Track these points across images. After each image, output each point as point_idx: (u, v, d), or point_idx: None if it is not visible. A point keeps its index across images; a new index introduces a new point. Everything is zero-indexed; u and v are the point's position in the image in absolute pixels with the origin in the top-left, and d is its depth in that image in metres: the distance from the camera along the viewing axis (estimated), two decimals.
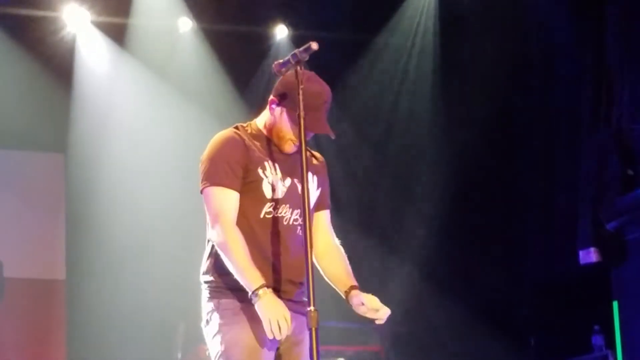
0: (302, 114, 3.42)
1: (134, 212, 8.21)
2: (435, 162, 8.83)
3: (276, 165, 3.67)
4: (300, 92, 3.43)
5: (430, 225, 8.68)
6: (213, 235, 3.60)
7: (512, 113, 8.92)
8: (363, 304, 3.65)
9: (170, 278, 7.86)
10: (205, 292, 3.67)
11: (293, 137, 3.64)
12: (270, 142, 3.72)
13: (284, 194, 3.65)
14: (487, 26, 8.49)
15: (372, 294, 3.77)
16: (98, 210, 8.33)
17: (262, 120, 3.77)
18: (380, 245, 8.52)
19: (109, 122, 8.41)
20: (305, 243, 3.33)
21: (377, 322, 3.70)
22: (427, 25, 8.73)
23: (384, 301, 3.76)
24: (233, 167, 3.60)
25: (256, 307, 3.45)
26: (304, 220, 3.35)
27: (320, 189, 3.80)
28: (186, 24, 8.40)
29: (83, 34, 8.27)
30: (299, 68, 3.45)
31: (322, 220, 3.85)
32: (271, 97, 3.72)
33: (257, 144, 3.69)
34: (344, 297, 3.74)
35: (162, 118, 8.27)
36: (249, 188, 3.61)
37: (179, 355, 7.42)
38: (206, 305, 3.64)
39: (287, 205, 3.66)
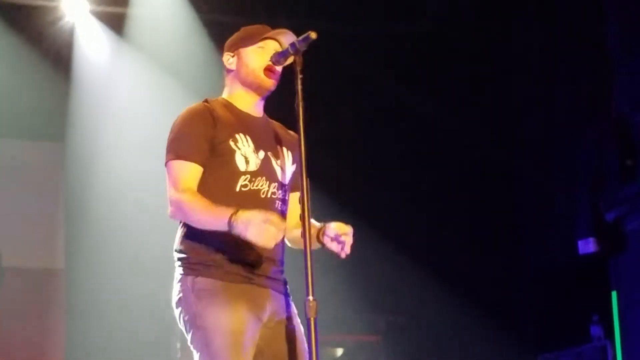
0: (301, 103, 3.39)
1: (133, 201, 8.21)
2: (432, 151, 8.83)
3: (247, 137, 3.57)
4: (299, 81, 3.41)
5: (427, 215, 8.68)
6: (170, 205, 3.49)
7: (511, 103, 8.91)
8: (332, 238, 3.49)
9: (170, 267, 7.84)
10: (178, 270, 3.55)
11: (262, 64, 3.60)
12: (241, 114, 3.65)
13: (258, 166, 3.55)
14: (485, 16, 8.48)
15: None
16: (97, 199, 8.33)
17: (226, 92, 3.73)
18: (378, 236, 8.52)
19: (108, 112, 8.40)
20: (304, 234, 3.27)
21: (344, 239, 3.49)
22: (425, 15, 8.72)
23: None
24: (197, 141, 3.51)
25: (237, 232, 3.28)
26: (303, 212, 3.30)
27: (295, 166, 3.71)
28: (185, 14, 8.38)
29: (82, 23, 8.25)
30: (297, 58, 3.43)
31: (295, 201, 3.66)
32: (225, 55, 3.71)
33: (229, 115, 3.61)
34: (318, 243, 3.55)
35: (162, 108, 8.25)
36: (222, 161, 3.52)
37: (178, 345, 7.42)
38: (178, 283, 3.52)
39: (263, 178, 3.55)
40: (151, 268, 8.04)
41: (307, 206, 3.32)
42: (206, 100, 3.66)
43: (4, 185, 8.26)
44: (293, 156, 3.70)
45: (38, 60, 8.14)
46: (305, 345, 3.46)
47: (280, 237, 3.36)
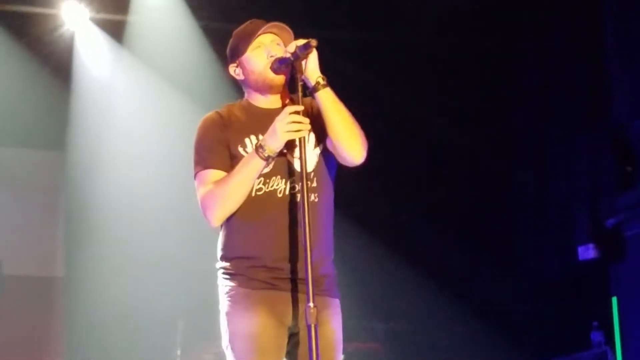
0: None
1: (133, 209, 8.21)
2: (430, 159, 8.83)
3: (260, 137, 3.51)
4: (300, 87, 3.42)
5: (426, 223, 8.68)
6: (203, 205, 3.49)
7: (508, 109, 8.92)
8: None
9: (169, 275, 7.86)
10: (218, 278, 3.60)
11: (266, 63, 3.58)
12: (258, 112, 3.63)
13: (271, 166, 3.51)
14: (483, 23, 8.48)
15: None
16: (97, 207, 8.34)
17: (245, 96, 3.72)
18: (378, 243, 8.52)
19: (108, 120, 8.41)
20: (305, 244, 3.26)
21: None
22: (423, 21, 8.71)
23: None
24: (215, 148, 3.54)
25: (270, 145, 3.39)
26: (304, 223, 3.27)
27: (321, 145, 3.62)
28: (185, 21, 8.39)
29: (82, 31, 8.26)
30: (297, 65, 3.43)
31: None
32: (230, 68, 3.71)
33: (244, 117, 3.61)
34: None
35: (161, 115, 8.27)
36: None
37: (178, 352, 7.43)
38: (219, 290, 3.58)
39: (279, 177, 3.52)
40: (151, 276, 8.06)
41: (306, 214, 3.29)
42: (224, 107, 3.68)
43: (4, 194, 8.27)
44: (316, 133, 3.58)
45: (38, 67, 8.16)
46: (334, 352, 3.51)
47: (307, 125, 3.38)
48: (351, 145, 3.54)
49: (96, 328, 8.13)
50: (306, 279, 3.24)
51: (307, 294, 3.23)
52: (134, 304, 8.07)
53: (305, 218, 3.28)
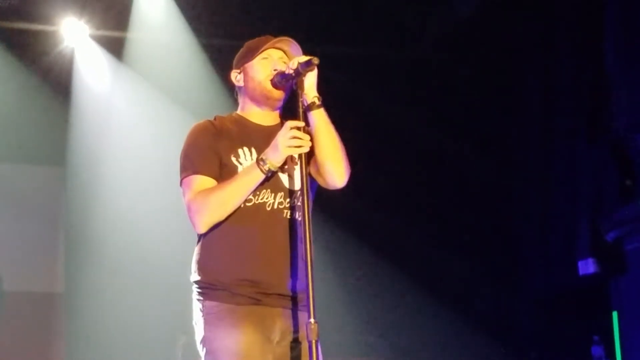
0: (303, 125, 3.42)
1: (133, 225, 8.21)
2: (432, 174, 8.82)
3: (252, 149, 3.56)
4: (301, 103, 3.44)
5: (428, 238, 8.67)
6: (191, 210, 3.48)
7: (509, 123, 8.92)
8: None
9: (169, 291, 7.85)
10: (194, 293, 3.56)
11: (268, 74, 3.61)
12: (250, 125, 3.65)
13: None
14: (484, 35, 8.49)
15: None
16: (97, 223, 8.34)
17: (239, 109, 3.74)
18: (380, 259, 8.51)
19: (108, 136, 8.42)
20: (306, 254, 3.25)
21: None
22: (422, 33, 8.73)
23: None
24: (206, 154, 3.53)
25: (271, 159, 3.41)
26: (305, 234, 3.28)
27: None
28: (185, 38, 8.41)
29: (81, 47, 8.29)
30: (299, 81, 3.44)
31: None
32: (232, 73, 3.73)
33: (236, 129, 3.62)
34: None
35: (161, 131, 8.28)
36: (225, 178, 3.50)
37: None
38: (195, 306, 3.54)
39: (269, 190, 3.52)
40: (151, 292, 8.05)
41: (308, 227, 3.29)
42: (215, 118, 3.67)
43: (4, 210, 8.27)
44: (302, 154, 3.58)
45: (38, 84, 8.17)
46: None
47: (308, 142, 3.40)
48: (336, 167, 3.56)
49: (96, 344, 8.12)
50: (307, 295, 3.22)
51: (308, 309, 3.21)
52: (135, 319, 8.06)
53: (307, 234, 3.28)
